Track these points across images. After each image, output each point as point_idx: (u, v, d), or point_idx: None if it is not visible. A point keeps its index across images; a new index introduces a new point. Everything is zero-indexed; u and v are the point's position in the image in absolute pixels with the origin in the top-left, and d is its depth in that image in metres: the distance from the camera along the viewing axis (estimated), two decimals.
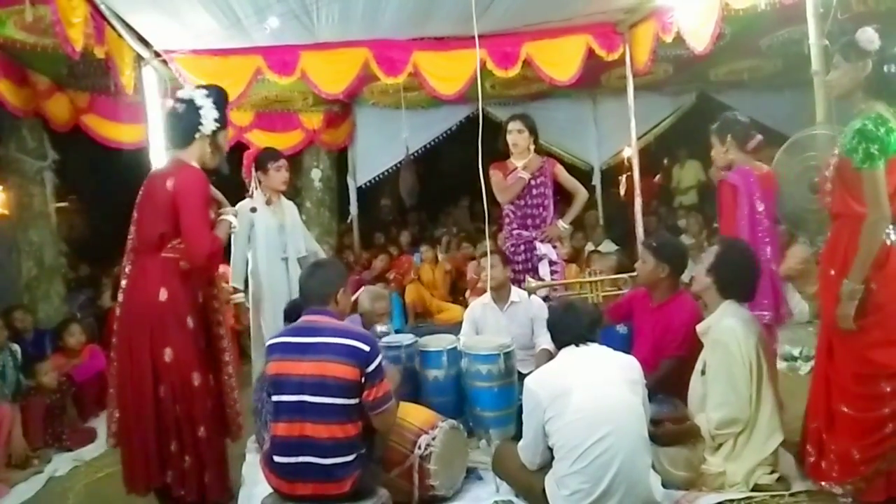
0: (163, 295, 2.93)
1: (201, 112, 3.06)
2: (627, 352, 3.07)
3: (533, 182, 4.55)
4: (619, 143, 8.16)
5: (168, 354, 2.91)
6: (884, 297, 2.66)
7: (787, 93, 7.39)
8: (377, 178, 8.35)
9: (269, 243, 4.27)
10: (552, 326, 2.93)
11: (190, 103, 3.08)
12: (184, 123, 3.08)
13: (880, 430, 2.66)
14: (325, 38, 5.27)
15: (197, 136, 3.08)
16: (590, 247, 7.68)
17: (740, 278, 3.10)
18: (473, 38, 4.29)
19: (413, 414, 3.06)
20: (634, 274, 3.86)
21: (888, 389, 2.65)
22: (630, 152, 6.23)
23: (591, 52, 5.61)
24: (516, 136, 4.55)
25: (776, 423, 2.96)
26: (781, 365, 4.38)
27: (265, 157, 4.37)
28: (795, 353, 4.81)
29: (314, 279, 2.76)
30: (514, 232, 4.59)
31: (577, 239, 8.05)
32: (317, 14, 4.82)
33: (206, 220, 3.01)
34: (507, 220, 4.65)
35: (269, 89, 6.70)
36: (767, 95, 7.92)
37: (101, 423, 4.31)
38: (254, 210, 4.22)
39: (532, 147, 4.60)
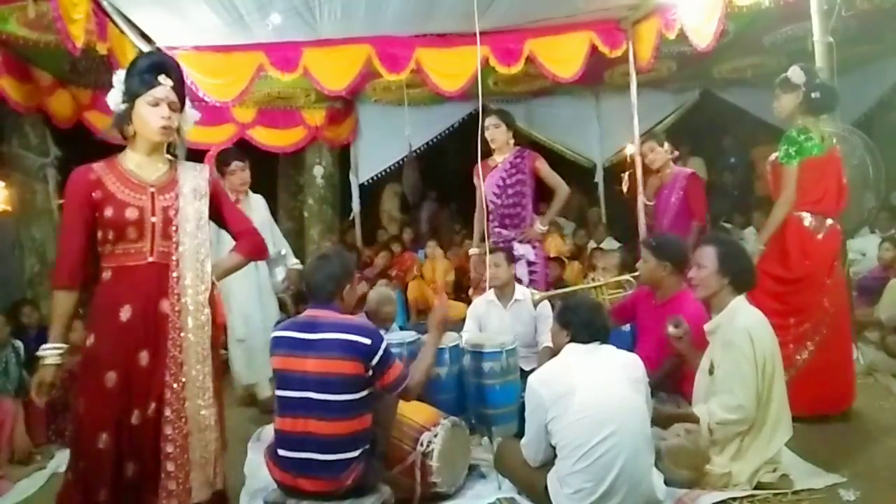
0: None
1: (113, 104, 2.54)
2: (630, 349, 3.06)
3: (508, 179, 4.57)
4: (622, 141, 8.12)
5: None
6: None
7: None
8: (380, 175, 8.34)
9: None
10: (567, 321, 2.83)
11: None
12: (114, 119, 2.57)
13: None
14: (327, 35, 5.27)
15: (125, 125, 2.53)
16: (592, 244, 7.66)
17: (748, 267, 3.10)
18: (476, 34, 4.28)
19: (415, 411, 3.05)
20: (637, 274, 3.86)
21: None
22: (633, 149, 6.21)
23: (594, 49, 5.60)
24: (493, 131, 4.57)
25: (782, 420, 2.95)
26: None
27: (218, 160, 4.33)
28: None
29: (319, 274, 2.74)
30: (495, 230, 4.61)
31: (579, 236, 8.04)
32: (319, 10, 4.82)
33: (67, 224, 2.57)
34: (489, 217, 4.65)
35: (272, 86, 6.69)
36: (771, 92, 7.88)
37: None
38: None
39: (511, 141, 4.63)
